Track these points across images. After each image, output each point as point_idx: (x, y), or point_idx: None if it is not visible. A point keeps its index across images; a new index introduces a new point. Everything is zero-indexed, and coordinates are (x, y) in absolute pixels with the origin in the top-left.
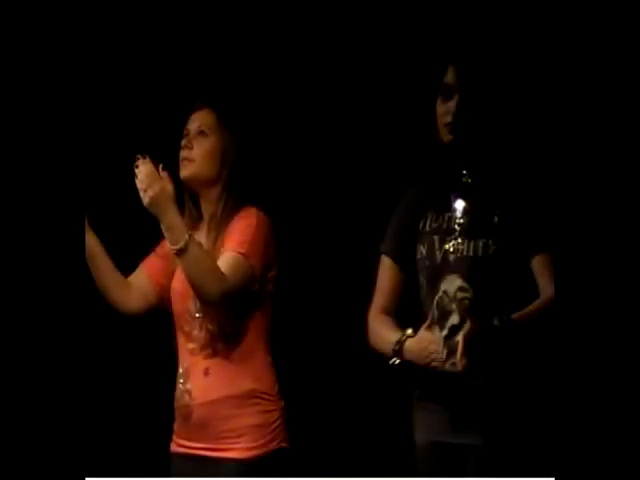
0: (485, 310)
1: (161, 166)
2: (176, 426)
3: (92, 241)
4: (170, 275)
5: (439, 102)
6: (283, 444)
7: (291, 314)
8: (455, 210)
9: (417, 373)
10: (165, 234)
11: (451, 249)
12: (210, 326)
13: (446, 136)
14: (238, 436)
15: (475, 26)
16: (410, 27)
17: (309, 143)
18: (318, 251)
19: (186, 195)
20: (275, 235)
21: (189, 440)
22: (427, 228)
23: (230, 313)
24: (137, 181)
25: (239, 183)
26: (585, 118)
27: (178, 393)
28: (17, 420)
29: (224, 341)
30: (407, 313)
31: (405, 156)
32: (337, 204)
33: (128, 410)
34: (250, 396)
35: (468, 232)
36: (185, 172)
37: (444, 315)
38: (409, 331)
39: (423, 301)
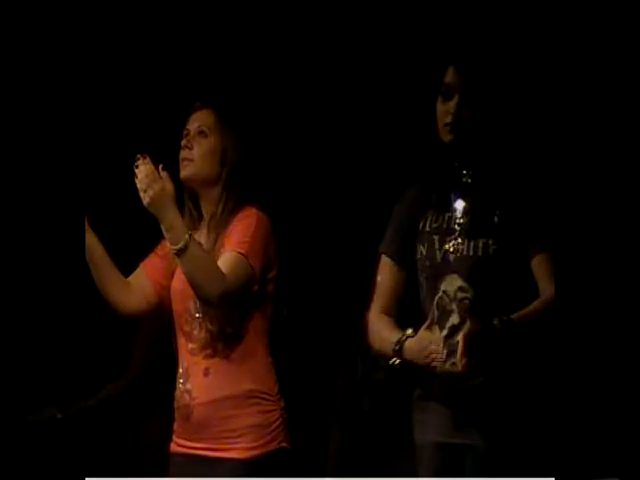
0: (485, 310)
1: (161, 166)
2: (176, 426)
3: (92, 241)
4: (170, 275)
5: (439, 102)
6: (283, 444)
7: (291, 314)
8: (455, 210)
9: (417, 373)
10: (165, 234)
11: (451, 249)
12: (210, 326)
13: (446, 136)
14: (238, 436)
15: (475, 26)
16: (410, 27)
17: (309, 143)
18: (318, 251)
19: (186, 195)
20: (275, 235)
21: (189, 440)
22: (427, 228)
23: (230, 313)
24: (137, 181)
25: (239, 183)
26: (585, 118)
27: (178, 393)
28: (17, 420)
29: (224, 341)
30: (407, 313)
31: (405, 156)
32: (337, 204)
33: (128, 410)
34: (250, 396)
35: (468, 232)
36: (185, 172)
37: (444, 315)
38: (409, 331)
39: (423, 301)
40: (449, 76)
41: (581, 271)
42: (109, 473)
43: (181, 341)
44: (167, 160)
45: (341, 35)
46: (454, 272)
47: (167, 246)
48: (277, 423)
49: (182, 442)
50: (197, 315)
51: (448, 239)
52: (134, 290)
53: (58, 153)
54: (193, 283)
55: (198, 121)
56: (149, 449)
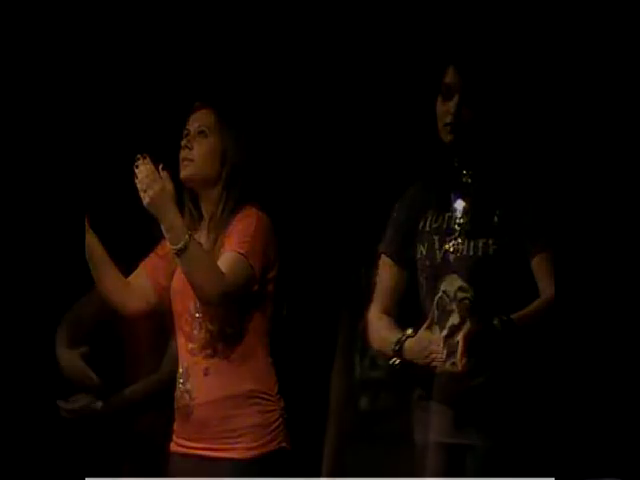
0: (485, 310)
1: (161, 166)
2: (176, 426)
3: (92, 241)
4: (170, 275)
5: (439, 102)
6: (283, 444)
7: (291, 314)
8: (455, 210)
9: (417, 373)
10: (165, 234)
11: (451, 249)
12: (210, 326)
13: (446, 136)
14: (238, 436)
15: (475, 26)
16: (410, 27)
17: (309, 143)
18: (318, 251)
19: (186, 195)
20: (275, 235)
21: (189, 440)
22: (427, 228)
23: (230, 313)
24: (137, 181)
25: (239, 183)
26: (585, 117)
27: (178, 393)
28: (18, 420)
29: (224, 341)
30: (407, 313)
31: (405, 156)
32: (337, 204)
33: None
34: (250, 396)
35: (468, 232)
36: (185, 172)
37: (444, 315)
38: (409, 331)
39: (423, 301)
40: (449, 76)
41: (581, 271)
42: (109, 473)
43: (181, 341)
44: (167, 160)
45: (341, 35)
46: (454, 272)
47: (167, 246)
48: (277, 423)
49: (182, 442)
50: (197, 315)
51: (448, 239)
52: (134, 290)
53: (59, 153)
54: (193, 283)
55: (198, 121)
56: (149, 449)
